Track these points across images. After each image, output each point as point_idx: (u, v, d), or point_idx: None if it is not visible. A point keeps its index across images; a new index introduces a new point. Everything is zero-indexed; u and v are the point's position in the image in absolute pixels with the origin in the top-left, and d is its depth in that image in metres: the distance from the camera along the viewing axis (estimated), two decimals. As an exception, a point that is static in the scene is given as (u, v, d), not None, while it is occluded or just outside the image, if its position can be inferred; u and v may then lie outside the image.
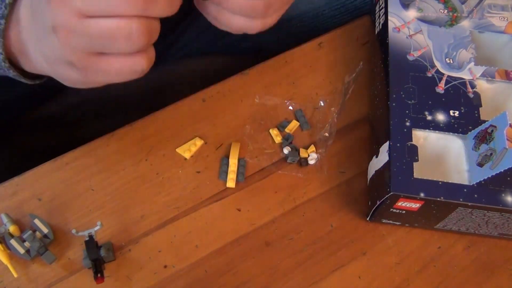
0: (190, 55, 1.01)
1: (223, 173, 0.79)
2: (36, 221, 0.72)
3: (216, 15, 0.65)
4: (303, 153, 0.81)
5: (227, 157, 0.80)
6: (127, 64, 0.57)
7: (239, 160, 0.80)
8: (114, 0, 0.52)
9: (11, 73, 0.64)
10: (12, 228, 0.71)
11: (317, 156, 0.80)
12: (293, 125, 0.83)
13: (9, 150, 0.75)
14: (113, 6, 0.52)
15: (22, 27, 0.61)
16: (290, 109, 0.84)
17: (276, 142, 0.82)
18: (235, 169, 0.79)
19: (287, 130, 0.82)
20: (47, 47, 0.58)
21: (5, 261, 0.70)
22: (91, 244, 0.69)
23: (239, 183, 0.79)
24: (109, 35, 0.54)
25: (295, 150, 0.80)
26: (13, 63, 0.64)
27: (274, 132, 0.82)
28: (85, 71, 0.58)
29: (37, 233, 0.72)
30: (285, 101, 0.85)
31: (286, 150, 0.81)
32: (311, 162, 0.80)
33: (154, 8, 0.55)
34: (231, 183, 0.78)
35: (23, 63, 0.64)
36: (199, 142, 0.80)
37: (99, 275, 0.68)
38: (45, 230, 0.72)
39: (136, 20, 0.53)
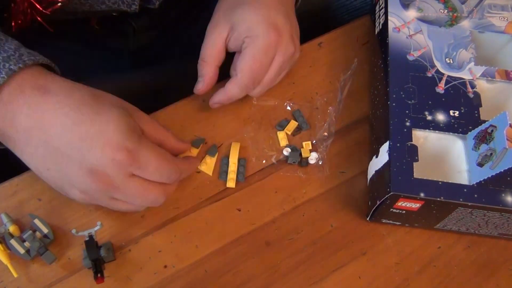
0: (190, 55, 1.00)
1: (223, 173, 0.79)
2: (36, 221, 0.72)
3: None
4: (305, 153, 0.80)
5: (227, 157, 0.80)
6: (131, 209, 0.71)
7: (239, 160, 0.80)
8: (163, 173, 0.67)
9: None
10: (12, 228, 0.71)
11: (318, 156, 0.80)
12: (292, 125, 0.83)
13: (9, 150, 0.74)
14: (157, 178, 0.67)
15: (17, 132, 0.65)
16: (289, 109, 0.84)
17: (281, 145, 0.82)
18: (235, 169, 0.79)
19: (286, 130, 0.82)
20: (59, 173, 0.66)
21: (5, 261, 0.70)
22: (91, 244, 0.69)
23: (239, 183, 0.79)
24: (141, 195, 0.67)
25: (295, 151, 0.80)
26: None
27: (280, 135, 0.82)
28: (88, 201, 0.68)
29: (37, 233, 0.72)
30: (284, 102, 0.85)
31: (286, 152, 0.80)
32: (312, 161, 0.80)
33: (180, 178, 0.71)
34: (231, 183, 0.78)
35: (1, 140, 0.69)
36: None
37: (99, 275, 0.68)
38: (45, 230, 0.72)
39: (164, 189, 0.69)
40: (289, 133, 0.82)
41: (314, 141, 0.82)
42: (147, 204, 0.70)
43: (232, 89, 0.79)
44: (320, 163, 0.80)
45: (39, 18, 0.75)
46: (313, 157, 0.80)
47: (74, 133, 0.63)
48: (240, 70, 0.77)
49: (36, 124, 0.63)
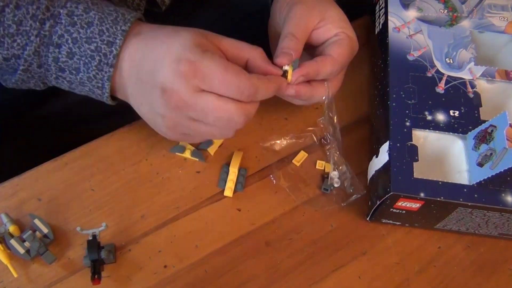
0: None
1: (222, 181, 0.79)
2: (36, 221, 0.72)
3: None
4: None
5: (227, 164, 0.80)
6: (216, 134, 0.70)
7: (239, 169, 0.79)
8: (230, 86, 0.64)
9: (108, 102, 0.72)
10: (12, 228, 0.71)
11: (338, 174, 0.80)
12: (301, 156, 0.82)
13: (9, 150, 0.75)
14: (227, 92, 0.65)
15: (124, 77, 0.69)
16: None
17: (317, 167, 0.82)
18: (235, 178, 0.78)
19: (294, 161, 0.82)
20: (148, 105, 0.69)
21: (5, 261, 0.70)
22: (93, 244, 0.69)
23: (237, 192, 0.79)
24: (213, 112, 0.65)
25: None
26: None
27: (320, 163, 0.82)
28: (174, 130, 0.69)
29: (37, 233, 0.72)
30: (284, 138, 0.84)
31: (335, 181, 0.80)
32: (336, 185, 0.80)
33: (257, 96, 0.67)
34: (228, 192, 0.78)
35: (119, 95, 0.73)
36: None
37: (96, 276, 0.68)
38: (45, 230, 0.72)
39: (240, 107, 0.66)
40: (298, 164, 0.82)
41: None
42: (225, 124, 0.68)
43: (325, 66, 0.74)
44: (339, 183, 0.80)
45: None
46: (335, 179, 0.80)
47: (150, 59, 0.66)
48: (338, 53, 0.75)
49: (132, 63, 0.68)
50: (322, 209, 0.78)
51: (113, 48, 0.67)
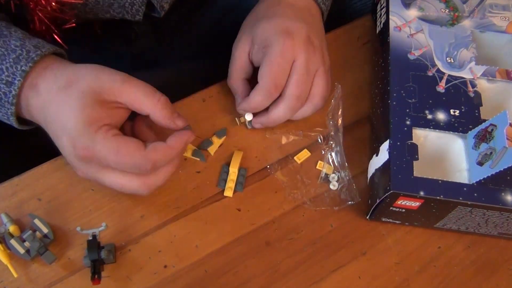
0: (191, 56, 1.01)
1: (222, 181, 0.79)
2: (36, 221, 0.72)
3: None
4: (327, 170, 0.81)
5: (227, 164, 0.79)
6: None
7: (239, 169, 0.79)
8: (126, 166, 0.66)
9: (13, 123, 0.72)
10: (12, 228, 0.71)
11: (337, 178, 0.80)
12: (304, 154, 0.82)
13: (9, 150, 0.75)
14: (126, 169, 0.67)
15: (35, 112, 0.70)
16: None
17: (318, 167, 0.81)
18: (235, 178, 0.78)
19: (296, 158, 0.81)
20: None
21: (5, 261, 0.70)
22: (93, 244, 0.69)
23: (237, 192, 0.79)
24: (121, 187, 0.68)
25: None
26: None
27: (321, 163, 0.81)
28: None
29: (37, 233, 0.72)
30: (295, 132, 0.84)
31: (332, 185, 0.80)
32: (332, 187, 0.80)
33: (158, 166, 0.68)
34: (228, 192, 0.78)
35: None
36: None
37: (96, 276, 0.68)
38: (45, 230, 0.72)
39: (142, 182, 0.68)
40: (299, 161, 0.81)
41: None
42: (132, 193, 0.70)
43: (255, 96, 0.76)
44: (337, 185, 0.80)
45: (55, 36, 0.78)
46: (333, 181, 0.80)
47: (52, 130, 0.68)
48: (260, 77, 0.76)
49: (41, 116, 0.69)
50: (315, 208, 0.78)
51: (11, 89, 0.67)
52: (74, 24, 0.77)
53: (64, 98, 0.66)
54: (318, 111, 0.81)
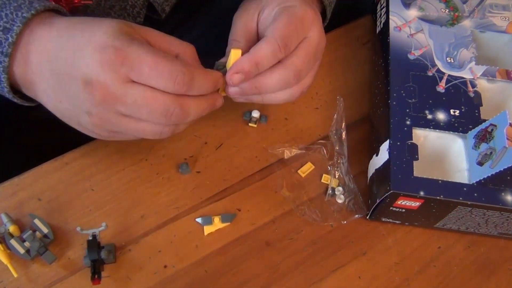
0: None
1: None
2: (36, 221, 0.72)
3: (262, 100, 0.71)
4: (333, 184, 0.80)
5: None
6: (149, 132, 0.63)
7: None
8: (163, 72, 0.58)
9: (15, 100, 0.66)
10: (12, 228, 0.71)
11: (343, 191, 0.80)
12: (308, 167, 0.81)
13: (9, 150, 0.75)
14: (159, 80, 0.58)
15: (33, 72, 0.62)
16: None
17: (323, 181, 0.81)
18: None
19: (300, 172, 0.81)
20: (69, 100, 0.61)
21: (5, 261, 0.70)
22: (93, 244, 0.69)
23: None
24: (146, 104, 0.59)
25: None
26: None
27: (326, 176, 0.81)
28: (102, 127, 0.63)
29: (37, 233, 0.72)
30: (296, 149, 0.82)
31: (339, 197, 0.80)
32: (339, 201, 0.79)
33: (195, 85, 0.61)
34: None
35: (26, 92, 0.65)
36: None
37: (96, 276, 0.68)
38: (45, 230, 0.72)
39: (176, 98, 0.60)
40: (303, 175, 0.81)
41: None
42: (160, 119, 0.61)
43: (260, 48, 0.66)
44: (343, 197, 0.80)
45: None
46: (339, 191, 0.79)
47: (68, 49, 0.60)
48: (272, 29, 0.67)
49: (43, 56, 0.61)
50: (322, 223, 0.77)
51: (8, 36, 0.60)
52: None
53: (88, 20, 0.61)
54: (321, 122, 0.81)
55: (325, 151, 0.82)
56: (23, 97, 0.66)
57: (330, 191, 0.79)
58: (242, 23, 0.73)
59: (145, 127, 0.63)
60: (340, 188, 0.79)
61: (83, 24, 0.61)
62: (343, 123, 0.82)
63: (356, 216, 0.77)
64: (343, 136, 0.82)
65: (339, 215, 0.78)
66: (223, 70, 0.69)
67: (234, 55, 0.67)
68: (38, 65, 0.61)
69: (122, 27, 0.60)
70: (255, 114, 0.81)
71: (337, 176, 0.80)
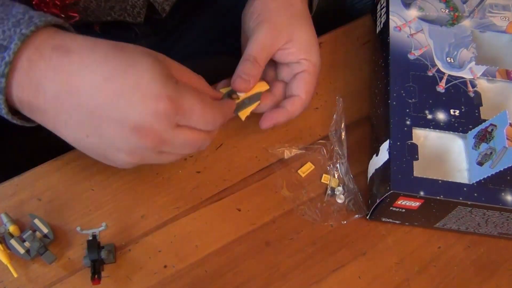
0: (192, 56, 1.01)
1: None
2: (36, 221, 0.72)
3: None
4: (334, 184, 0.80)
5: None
6: (175, 160, 0.67)
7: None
8: (208, 119, 0.63)
9: (14, 121, 0.63)
10: (12, 228, 0.71)
11: (343, 191, 0.80)
12: (308, 167, 0.81)
13: (9, 150, 0.75)
14: (204, 125, 0.64)
15: (46, 101, 0.59)
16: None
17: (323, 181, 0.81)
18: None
19: (300, 172, 0.81)
20: (101, 138, 0.61)
21: (5, 261, 0.70)
22: (93, 244, 0.69)
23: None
24: (189, 144, 0.64)
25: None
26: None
27: (326, 176, 0.81)
28: (136, 162, 0.64)
29: (37, 233, 0.72)
30: (295, 149, 0.83)
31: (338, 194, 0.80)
32: (339, 201, 0.79)
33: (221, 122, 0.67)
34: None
35: (30, 116, 0.63)
36: None
37: (96, 276, 0.68)
38: (45, 230, 0.72)
39: (209, 136, 0.66)
40: (303, 175, 0.81)
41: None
42: (191, 151, 0.66)
43: (297, 110, 0.77)
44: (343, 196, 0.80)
45: None
46: (339, 191, 0.80)
47: (108, 90, 0.58)
48: (305, 92, 0.77)
49: (64, 87, 0.58)
50: (322, 223, 0.77)
51: (5, 54, 0.56)
52: (77, 18, 0.73)
53: (121, 56, 0.60)
54: (321, 123, 0.83)
55: (325, 151, 0.82)
56: (23, 118, 0.63)
57: (330, 191, 0.79)
58: (269, 44, 0.76)
59: (173, 158, 0.66)
60: (340, 188, 0.79)
61: (116, 60, 0.59)
62: (343, 123, 0.82)
63: (356, 216, 0.77)
64: (343, 136, 0.82)
65: (339, 215, 0.78)
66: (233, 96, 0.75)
67: (259, 86, 0.76)
68: (55, 95, 0.58)
69: (163, 70, 0.60)
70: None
71: (336, 176, 0.80)
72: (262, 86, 0.77)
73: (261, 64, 0.75)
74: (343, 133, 0.82)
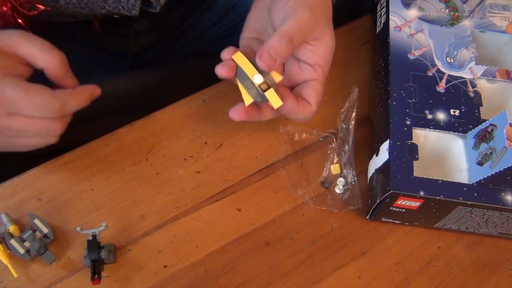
0: (191, 55, 1.01)
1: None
2: (36, 221, 0.72)
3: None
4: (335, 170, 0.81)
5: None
6: (39, 143, 0.70)
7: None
8: (35, 106, 0.65)
9: None
10: (12, 228, 0.71)
11: (344, 182, 0.80)
12: (313, 154, 0.82)
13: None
14: (35, 113, 0.66)
15: None
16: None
17: (333, 173, 0.81)
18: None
19: (304, 165, 0.81)
20: None
21: (5, 261, 0.70)
22: (93, 244, 0.69)
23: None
24: (31, 128, 0.66)
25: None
26: None
27: (334, 166, 0.81)
28: None
29: (37, 233, 0.72)
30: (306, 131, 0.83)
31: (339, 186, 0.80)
32: (338, 191, 0.79)
33: (67, 108, 0.68)
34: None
35: None
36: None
37: (96, 276, 0.68)
38: (45, 230, 0.72)
39: (55, 121, 0.67)
40: (307, 167, 0.81)
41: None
42: (45, 134, 0.69)
43: (304, 111, 0.73)
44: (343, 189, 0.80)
45: (20, 21, 0.74)
46: (340, 183, 0.80)
47: None
48: (316, 103, 0.74)
49: None
50: (315, 207, 0.78)
51: None
52: (43, 8, 0.75)
53: None
54: (320, 123, 0.83)
55: (335, 140, 0.82)
56: None
57: (326, 174, 0.80)
58: (307, 30, 0.71)
59: (35, 141, 0.70)
60: (342, 179, 0.79)
61: None
62: (354, 112, 0.82)
63: (350, 208, 0.78)
64: (351, 124, 0.81)
65: (333, 203, 0.78)
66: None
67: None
68: None
69: None
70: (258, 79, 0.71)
71: (339, 164, 0.80)
72: (276, 76, 0.71)
73: (294, 46, 0.70)
74: (353, 122, 0.81)
